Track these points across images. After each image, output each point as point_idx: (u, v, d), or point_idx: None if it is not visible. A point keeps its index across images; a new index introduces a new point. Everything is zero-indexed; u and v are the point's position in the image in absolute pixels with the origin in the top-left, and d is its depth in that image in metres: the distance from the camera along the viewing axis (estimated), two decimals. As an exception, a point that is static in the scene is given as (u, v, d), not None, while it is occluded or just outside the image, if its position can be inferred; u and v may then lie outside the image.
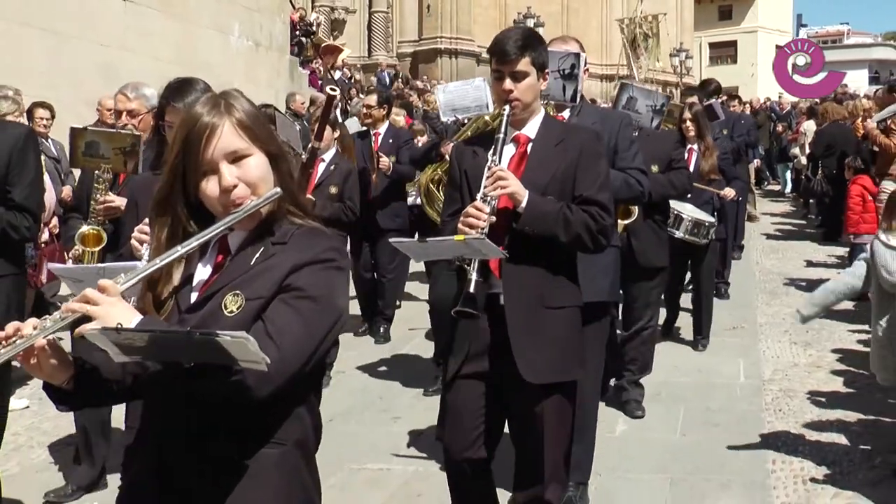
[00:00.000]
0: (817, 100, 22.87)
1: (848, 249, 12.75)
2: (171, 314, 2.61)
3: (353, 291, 9.39)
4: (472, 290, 3.92)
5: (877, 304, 6.00)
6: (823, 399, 7.68)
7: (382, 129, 9.95)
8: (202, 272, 2.68)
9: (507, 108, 4.14)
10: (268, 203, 2.59)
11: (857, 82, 35.94)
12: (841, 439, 6.75)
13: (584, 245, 4.11)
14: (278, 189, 2.60)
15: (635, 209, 6.63)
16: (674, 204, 8.30)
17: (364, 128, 10.50)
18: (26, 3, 13.59)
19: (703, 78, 47.31)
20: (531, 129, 4.27)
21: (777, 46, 62.10)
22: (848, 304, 11.33)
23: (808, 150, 18.23)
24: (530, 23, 37.47)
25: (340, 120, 11.16)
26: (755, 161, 19.38)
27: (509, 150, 4.22)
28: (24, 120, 9.98)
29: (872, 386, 7.75)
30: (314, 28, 29.67)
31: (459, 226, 3.95)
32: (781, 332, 10.08)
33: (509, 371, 4.06)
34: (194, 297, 2.62)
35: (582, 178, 4.13)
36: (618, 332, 7.54)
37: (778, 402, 7.66)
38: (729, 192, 10.00)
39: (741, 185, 10.46)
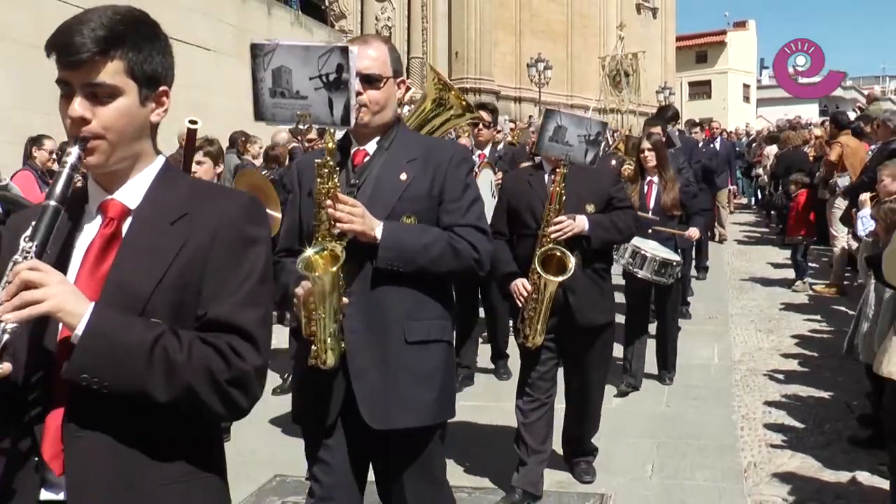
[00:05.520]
0: (775, 127, 22.79)
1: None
2: None
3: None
4: None
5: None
6: (783, 377, 7.68)
7: None
8: None
9: (73, 149, 1.89)
10: None
11: (809, 114, 35.68)
12: (797, 410, 6.75)
13: (203, 406, 1.89)
14: None
15: (571, 263, 4.55)
16: (637, 241, 6.77)
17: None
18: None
19: (688, 111, 47.24)
20: (131, 193, 2.01)
21: (744, 85, 62.36)
22: (804, 298, 11.36)
23: (769, 171, 18.17)
24: (540, 66, 37.16)
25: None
26: (732, 187, 18.26)
27: (90, 230, 1.99)
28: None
29: (823, 367, 7.80)
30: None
31: None
32: (749, 322, 10.09)
33: None
34: None
35: (213, 285, 1.95)
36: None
37: (745, 380, 7.66)
38: (693, 233, 7.95)
39: (702, 220, 8.22)
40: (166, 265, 1.93)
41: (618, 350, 7.31)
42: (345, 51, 2.81)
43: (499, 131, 8.87)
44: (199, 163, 5.91)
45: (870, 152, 10.76)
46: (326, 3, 27.57)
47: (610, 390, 7.01)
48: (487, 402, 6.67)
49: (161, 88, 2.03)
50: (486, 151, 7.80)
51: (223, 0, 17.42)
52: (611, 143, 15.52)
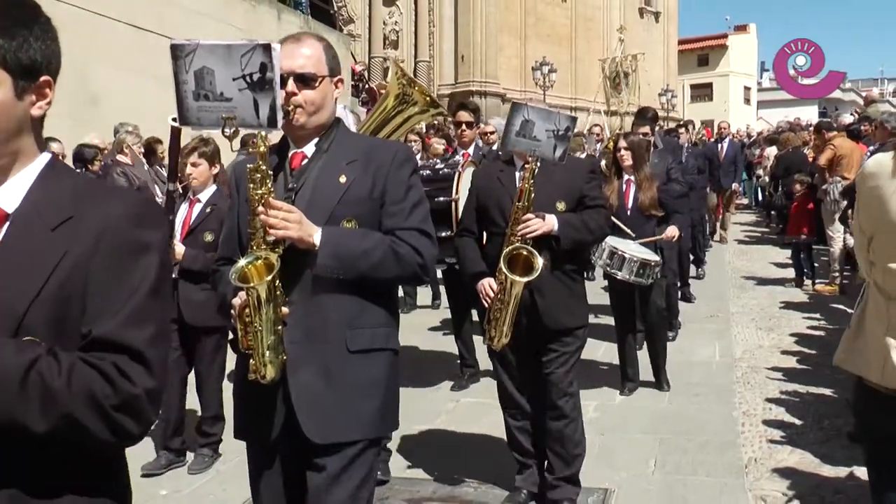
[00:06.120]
0: (777, 130, 22.73)
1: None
2: None
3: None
4: None
5: None
6: (783, 374, 7.65)
7: None
8: None
9: None
10: None
11: (809, 116, 35.60)
12: (797, 407, 6.73)
13: (87, 435, 1.63)
14: None
15: (538, 263, 4.25)
16: (615, 242, 6.64)
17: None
18: (142, 55, 13.77)
19: (690, 114, 47.17)
20: (9, 195, 1.75)
21: (745, 87, 62.21)
22: (804, 297, 11.32)
23: (770, 172, 18.12)
24: (545, 69, 37.19)
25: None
26: (733, 185, 17.93)
27: None
28: (141, 149, 10.12)
29: (822, 364, 7.74)
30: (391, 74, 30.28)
31: None
32: (749, 320, 10.06)
33: None
34: None
35: (97, 299, 1.69)
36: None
37: (746, 377, 7.64)
38: (671, 233, 7.36)
39: (683, 219, 7.63)
40: (45, 276, 1.64)
41: (612, 353, 7.33)
42: (267, 48, 2.59)
43: (492, 132, 8.72)
44: (194, 164, 5.74)
45: (868, 154, 10.73)
46: (335, 8, 27.62)
47: (612, 391, 7.05)
48: (490, 398, 6.63)
49: (42, 79, 1.74)
50: (471, 151, 7.75)
51: (233, 4, 17.41)
52: (604, 141, 15.31)
